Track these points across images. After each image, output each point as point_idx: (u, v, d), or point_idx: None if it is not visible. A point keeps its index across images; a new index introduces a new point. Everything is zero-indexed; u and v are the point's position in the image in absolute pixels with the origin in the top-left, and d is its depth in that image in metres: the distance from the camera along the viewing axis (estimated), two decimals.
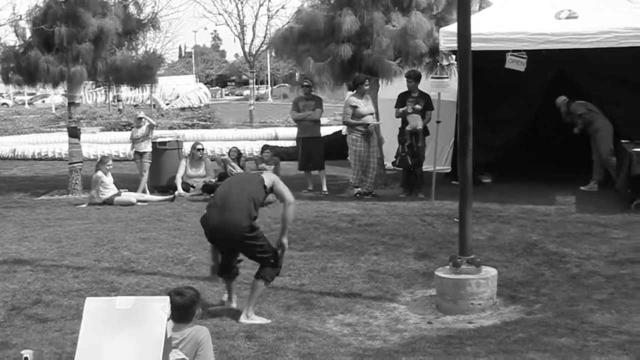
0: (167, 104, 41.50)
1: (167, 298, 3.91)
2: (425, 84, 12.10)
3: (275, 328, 5.91)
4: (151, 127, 13.69)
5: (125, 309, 3.82)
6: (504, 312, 6.34)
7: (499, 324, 6.00)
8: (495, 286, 6.54)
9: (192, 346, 4.38)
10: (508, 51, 11.30)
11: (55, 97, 48.05)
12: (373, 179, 12.35)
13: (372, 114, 12.14)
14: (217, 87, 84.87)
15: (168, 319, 3.85)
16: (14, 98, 51.17)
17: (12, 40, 13.81)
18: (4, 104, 49.95)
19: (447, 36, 10.95)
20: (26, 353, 4.63)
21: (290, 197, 6.42)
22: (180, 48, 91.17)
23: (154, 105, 38.39)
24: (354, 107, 12.05)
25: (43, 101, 51.52)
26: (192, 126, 26.55)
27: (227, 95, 77.73)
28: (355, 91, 12.28)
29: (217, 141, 20.83)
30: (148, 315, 3.81)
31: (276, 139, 21.80)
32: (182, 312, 4.51)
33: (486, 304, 6.39)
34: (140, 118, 13.82)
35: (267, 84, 74.59)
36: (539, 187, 11.81)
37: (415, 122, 11.92)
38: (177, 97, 42.21)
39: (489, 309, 6.37)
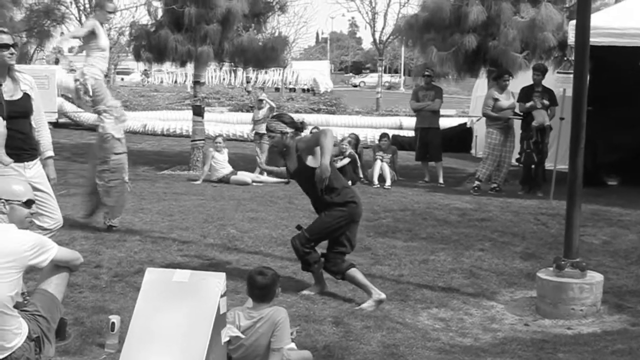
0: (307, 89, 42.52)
1: (223, 275, 3.92)
2: (550, 79, 11.67)
3: (365, 316, 5.84)
4: (271, 109, 13.87)
5: (181, 281, 3.86)
6: (607, 320, 6.01)
7: (599, 333, 5.70)
8: (600, 293, 6.20)
9: (269, 326, 4.38)
10: None
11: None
12: (506, 175, 12.13)
13: (513, 108, 11.88)
14: (351, 74, 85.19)
15: (223, 295, 3.85)
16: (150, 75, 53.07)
17: (146, 20, 14.37)
18: (142, 77, 51.83)
19: None
20: (113, 318, 4.78)
21: None
22: (317, 34, 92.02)
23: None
24: (495, 100, 11.82)
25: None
26: (318, 111, 26.76)
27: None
28: (495, 84, 12.06)
29: (340, 127, 20.88)
30: (203, 290, 3.84)
31: (400, 128, 21.65)
32: (263, 292, 4.53)
33: (589, 310, 6.08)
34: (261, 100, 14.04)
35: (400, 72, 74.21)
36: None
37: (543, 117, 11.55)
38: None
39: (591, 316, 6.05)
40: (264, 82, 41.34)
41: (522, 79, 12.24)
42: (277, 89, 40.22)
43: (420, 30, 12.98)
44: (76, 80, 8.33)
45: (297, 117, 6.90)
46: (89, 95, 8.26)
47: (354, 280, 6.24)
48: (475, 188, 11.92)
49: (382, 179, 12.62)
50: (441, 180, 12.84)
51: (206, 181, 12.59)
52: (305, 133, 6.48)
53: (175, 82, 45.55)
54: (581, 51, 6.20)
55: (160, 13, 13.79)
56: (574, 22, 10.96)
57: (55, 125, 20.89)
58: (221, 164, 12.73)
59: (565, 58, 12.00)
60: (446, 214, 9.91)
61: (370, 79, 70.17)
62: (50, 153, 6.11)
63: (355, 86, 62.43)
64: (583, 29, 6.18)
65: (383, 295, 6.19)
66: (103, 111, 8.38)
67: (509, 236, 8.72)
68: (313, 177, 6.06)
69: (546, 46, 11.99)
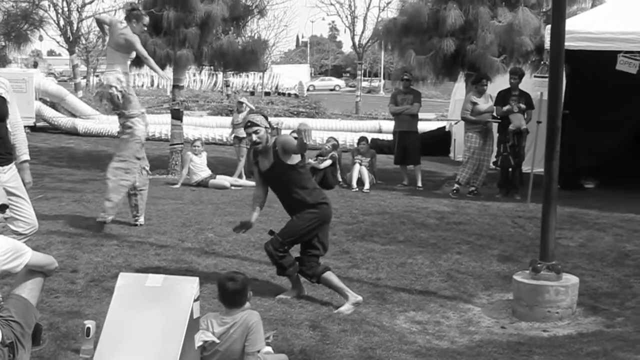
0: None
1: (197, 279, 3.91)
2: (527, 83, 11.74)
3: (342, 320, 5.85)
4: (251, 112, 13.84)
5: (154, 286, 3.86)
6: (582, 322, 6.06)
7: (574, 335, 5.74)
8: (575, 295, 6.25)
9: (243, 330, 4.37)
10: (619, 52, 10.83)
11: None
12: (484, 178, 12.18)
13: (491, 112, 11.93)
14: (331, 78, 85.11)
15: (196, 300, 3.84)
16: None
17: None
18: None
19: None
20: (89, 323, 4.75)
21: None
22: (297, 37, 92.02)
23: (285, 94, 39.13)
24: (474, 104, 11.87)
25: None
26: (297, 114, 26.74)
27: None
28: (473, 88, 12.11)
29: (320, 131, 20.86)
30: (176, 294, 3.84)
31: (380, 131, 21.70)
32: (235, 297, 4.52)
33: (564, 312, 6.12)
34: (241, 103, 14.02)
35: (380, 76, 74.41)
36: None
37: (519, 121, 11.62)
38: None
39: (566, 318, 6.10)
40: (252, 86, 41.38)
41: (500, 82, 12.31)
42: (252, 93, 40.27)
43: (399, 34, 13.02)
44: (112, 86, 8.36)
45: (274, 120, 6.99)
46: (118, 100, 8.41)
47: (330, 284, 6.26)
48: (454, 191, 11.97)
49: (360, 182, 12.64)
50: (420, 184, 12.87)
51: (185, 185, 12.56)
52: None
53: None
54: (556, 55, 6.25)
55: None
56: (550, 26, 11.13)
57: (32, 129, 20.73)
58: (199, 167, 12.70)
59: (543, 62, 12.13)
60: (424, 217, 9.94)
61: (320, 82, 70.41)
62: (26, 157, 6.07)
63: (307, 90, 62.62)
64: (558, 34, 6.23)
65: (360, 298, 6.22)
66: (136, 116, 8.54)
67: (486, 239, 8.77)
68: (287, 173, 6.15)
69: (523, 50, 12.06)
